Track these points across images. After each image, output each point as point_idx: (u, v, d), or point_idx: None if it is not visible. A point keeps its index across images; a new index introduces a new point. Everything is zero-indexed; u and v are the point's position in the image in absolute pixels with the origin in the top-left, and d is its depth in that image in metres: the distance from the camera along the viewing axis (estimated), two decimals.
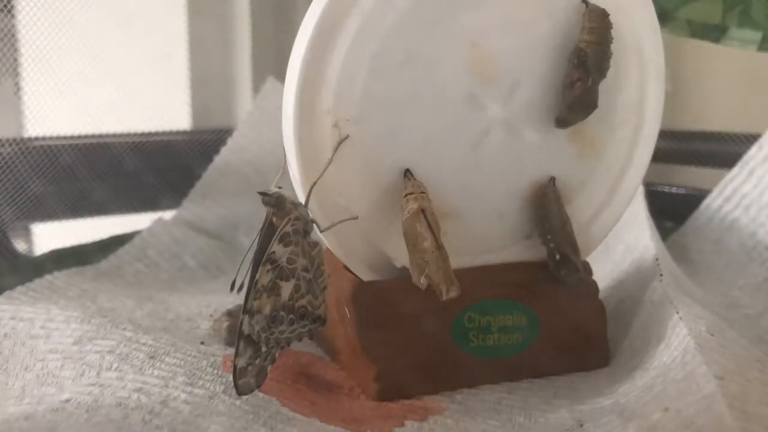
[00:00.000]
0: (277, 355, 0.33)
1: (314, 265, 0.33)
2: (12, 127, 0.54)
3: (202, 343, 0.39)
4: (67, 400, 0.31)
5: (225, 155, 0.62)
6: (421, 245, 0.33)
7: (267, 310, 0.32)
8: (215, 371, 0.35)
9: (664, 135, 0.41)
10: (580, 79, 0.36)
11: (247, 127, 0.63)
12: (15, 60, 0.52)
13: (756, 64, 0.59)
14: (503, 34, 0.35)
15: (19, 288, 0.45)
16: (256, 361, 0.33)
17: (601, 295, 0.40)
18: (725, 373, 0.30)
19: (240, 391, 0.32)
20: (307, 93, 0.34)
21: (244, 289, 0.33)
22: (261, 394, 0.34)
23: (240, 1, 0.73)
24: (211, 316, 0.44)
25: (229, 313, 0.41)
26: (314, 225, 0.34)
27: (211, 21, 0.72)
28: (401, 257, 0.35)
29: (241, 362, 0.32)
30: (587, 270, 0.39)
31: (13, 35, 0.51)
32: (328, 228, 0.35)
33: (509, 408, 0.35)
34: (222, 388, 0.34)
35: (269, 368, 0.33)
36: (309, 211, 0.34)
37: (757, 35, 0.51)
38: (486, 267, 0.38)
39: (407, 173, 0.36)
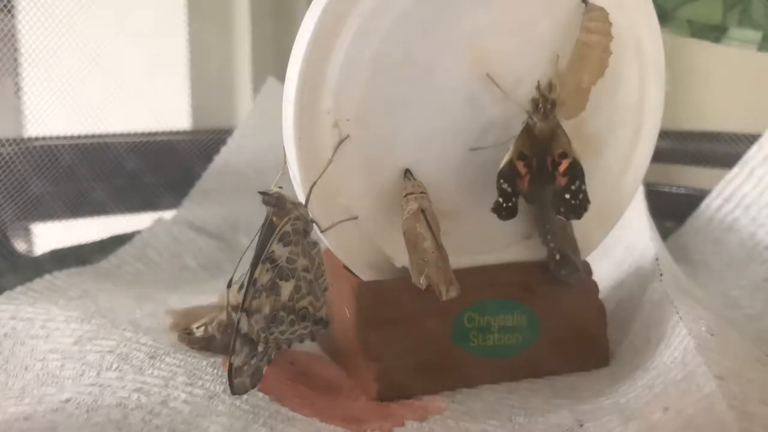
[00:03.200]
0: (273, 356, 0.33)
1: (315, 265, 0.33)
2: (12, 127, 0.54)
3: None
4: (67, 400, 0.31)
5: (225, 155, 0.62)
6: (421, 245, 0.33)
7: (266, 309, 0.32)
8: (215, 371, 0.35)
9: (664, 135, 0.41)
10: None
11: (247, 127, 0.63)
12: (15, 60, 0.52)
13: (756, 64, 0.58)
14: (503, 34, 0.35)
15: (19, 288, 0.45)
16: (252, 361, 0.33)
17: (601, 295, 0.40)
18: (725, 373, 0.30)
19: (234, 391, 0.32)
20: (307, 93, 0.34)
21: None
22: (261, 394, 0.34)
23: (240, 1, 0.73)
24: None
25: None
26: (314, 225, 0.34)
27: (211, 21, 0.72)
28: (401, 257, 0.35)
29: (237, 361, 0.32)
30: (587, 270, 0.39)
31: (13, 35, 0.51)
32: (329, 228, 0.35)
33: (509, 408, 0.35)
34: (222, 388, 0.34)
35: (265, 369, 0.33)
36: (309, 211, 0.34)
37: (757, 35, 0.51)
38: (486, 267, 0.38)
39: (407, 173, 0.36)
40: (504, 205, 0.35)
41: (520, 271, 0.38)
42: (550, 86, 0.35)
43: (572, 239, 0.38)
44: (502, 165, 0.35)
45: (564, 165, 0.35)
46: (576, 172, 0.35)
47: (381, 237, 0.36)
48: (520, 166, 0.35)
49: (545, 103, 0.35)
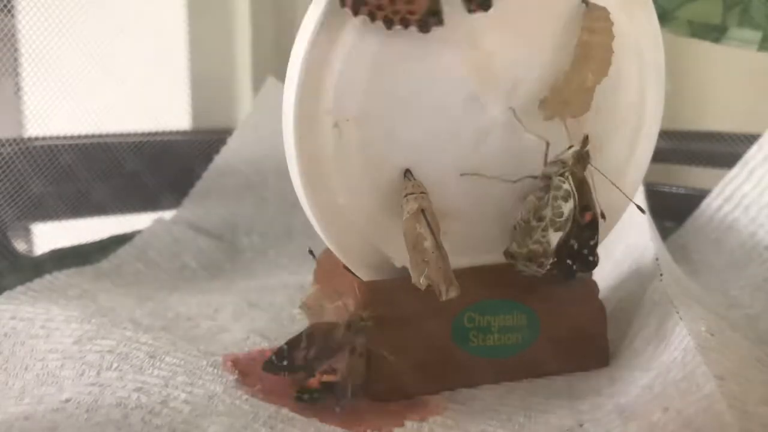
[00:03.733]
0: None
1: None
2: (12, 127, 0.54)
3: None
4: (67, 400, 0.31)
5: (225, 155, 0.62)
6: (421, 245, 0.33)
7: None
8: (215, 371, 0.35)
9: (664, 135, 0.41)
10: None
11: (247, 127, 0.63)
12: (15, 60, 0.52)
13: (756, 64, 0.59)
14: (503, 34, 0.35)
15: (19, 288, 0.45)
16: None
17: (601, 295, 0.40)
18: (725, 373, 0.30)
19: None
20: (307, 93, 0.34)
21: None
22: (261, 395, 0.34)
23: (240, 1, 0.73)
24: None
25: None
26: None
27: (211, 21, 0.72)
28: (401, 257, 0.35)
29: None
30: None
31: (13, 35, 0.51)
32: None
33: (509, 408, 0.35)
34: (222, 388, 0.34)
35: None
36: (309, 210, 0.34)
37: (757, 35, 0.51)
38: (486, 267, 0.38)
39: (407, 173, 0.35)
40: (591, 260, 0.35)
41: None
42: (587, 139, 0.35)
43: None
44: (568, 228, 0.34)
45: (588, 217, 0.35)
46: (597, 227, 0.35)
47: (381, 237, 0.36)
48: (588, 217, 0.35)
49: (587, 156, 0.35)
